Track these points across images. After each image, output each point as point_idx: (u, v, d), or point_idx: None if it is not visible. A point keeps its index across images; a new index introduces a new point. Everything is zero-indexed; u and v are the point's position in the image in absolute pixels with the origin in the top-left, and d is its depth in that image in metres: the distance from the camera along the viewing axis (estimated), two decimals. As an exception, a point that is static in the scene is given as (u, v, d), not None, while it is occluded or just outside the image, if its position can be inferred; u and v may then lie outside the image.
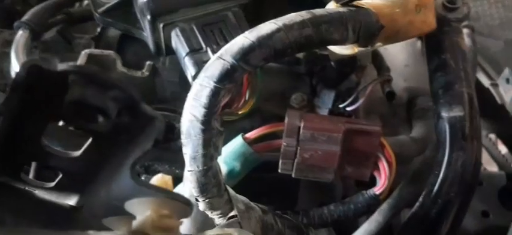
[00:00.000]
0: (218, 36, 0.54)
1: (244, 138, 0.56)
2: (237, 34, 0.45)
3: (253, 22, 0.50)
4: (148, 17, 0.54)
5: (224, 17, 0.56)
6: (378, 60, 0.71)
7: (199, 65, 0.50)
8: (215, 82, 0.41)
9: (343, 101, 0.62)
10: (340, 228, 0.67)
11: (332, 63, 0.63)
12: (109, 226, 0.28)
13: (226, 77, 0.41)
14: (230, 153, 0.56)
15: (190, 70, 0.51)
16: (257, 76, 0.54)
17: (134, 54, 0.63)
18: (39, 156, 0.34)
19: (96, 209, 0.34)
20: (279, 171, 0.57)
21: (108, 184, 0.31)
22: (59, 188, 0.35)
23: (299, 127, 0.53)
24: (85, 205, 0.35)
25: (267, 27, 0.42)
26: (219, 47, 0.49)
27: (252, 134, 0.56)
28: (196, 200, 0.46)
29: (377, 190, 0.55)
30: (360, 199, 0.56)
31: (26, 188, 0.34)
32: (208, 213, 0.47)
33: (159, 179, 0.46)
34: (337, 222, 0.58)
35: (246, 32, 0.42)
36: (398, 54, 0.76)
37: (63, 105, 0.27)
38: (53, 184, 0.36)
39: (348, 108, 0.61)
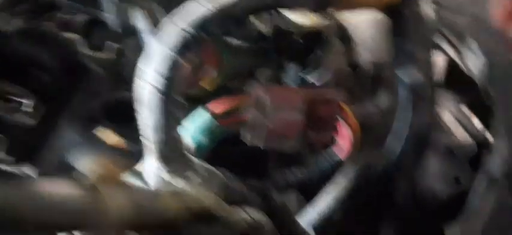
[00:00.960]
0: None
1: (210, 112, 0.57)
2: None
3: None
4: None
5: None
6: (343, 34, 0.72)
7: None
8: (174, 51, 0.42)
9: (308, 74, 0.64)
10: (307, 193, 0.69)
11: (297, 38, 0.65)
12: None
13: (185, 46, 0.42)
14: (197, 128, 0.57)
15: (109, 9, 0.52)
16: (221, 50, 0.55)
17: (101, 38, 0.64)
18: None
19: (50, 170, 0.35)
20: (247, 143, 0.58)
21: (58, 144, 0.32)
22: (11, 155, 0.36)
23: (263, 98, 0.54)
24: (40, 170, 0.36)
25: None
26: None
27: (218, 108, 0.57)
28: (158, 169, 0.47)
29: (340, 153, 0.57)
30: (324, 163, 0.58)
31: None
32: (172, 180, 0.48)
33: (104, 134, 0.48)
34: (302, 185, 0.60)
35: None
36: (364, 30, 0.77)
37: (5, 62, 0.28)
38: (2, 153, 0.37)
39: (314, 80, 0.63)
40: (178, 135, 0.46)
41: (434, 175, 1.09)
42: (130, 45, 0.63)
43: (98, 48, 0.62)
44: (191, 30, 0.42)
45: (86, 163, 0.30)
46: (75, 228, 0.27)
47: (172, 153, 0.45)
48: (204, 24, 0.42)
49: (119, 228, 0.29)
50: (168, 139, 0.44)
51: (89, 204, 0.28)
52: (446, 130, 1.26)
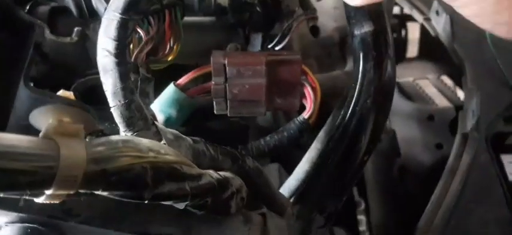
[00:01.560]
0: None
1: (176, 85, 0.58)
2: None
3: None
4: None
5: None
6: (305, 3, 0.74)
7: None
8: (121, 13, 0.43)
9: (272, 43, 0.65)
10: (287, 162, 0.70)
11: (258, 8, 0.66)
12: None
13: (130, 7, 0.43)
14: (164, 101, 0.58)
15: (100, 8, 0.53)
16: (179, 24, 0.56)
17: (65, 25, 0.65)
18: None
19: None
20: (215, 112, 0.59)
21: (12, 106, 0.33)
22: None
23: (224, 65, 0.55)
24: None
25: None
26: None
27: (182, 80, 0.58)
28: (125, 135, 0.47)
29: (305, 114, 0.58)
30: (291, 126, 0.59)
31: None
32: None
33: (60, 93, 0.48)
34: (274, 150, 0.60)
35: None
36: (326, -2, 0.79)
37: None
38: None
39: (277, 48, 0.64)
40: (139, 100, 0.47)
41: (416, 144, 1.11)
42: (94, 29, 0.64)
43: (66, 35, 0.63)
44: None
45: (42, 118, 0.30)
46: (29, 176, 0.28)
47: (133, 116, 0.46)
48: None
49: (76, 179, 0.30)
50: (127, 102, 0.45)
51: (40, 149, 0.28)
52: (426, 98, 1.28)
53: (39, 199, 0.32)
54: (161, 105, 0.58)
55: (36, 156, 0.27)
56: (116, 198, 0.34)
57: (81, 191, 0.31)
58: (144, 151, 0.34)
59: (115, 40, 0.43)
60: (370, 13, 0.53)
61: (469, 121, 0.81)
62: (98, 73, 0.64)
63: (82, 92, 0.65)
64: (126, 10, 0.43)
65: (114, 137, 0.33)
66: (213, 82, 0.56)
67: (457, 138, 0.82)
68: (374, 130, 0.52)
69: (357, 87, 0.52)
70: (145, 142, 0.35)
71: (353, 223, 1.10)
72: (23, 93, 0.32)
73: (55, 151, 0.28)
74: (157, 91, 0.63)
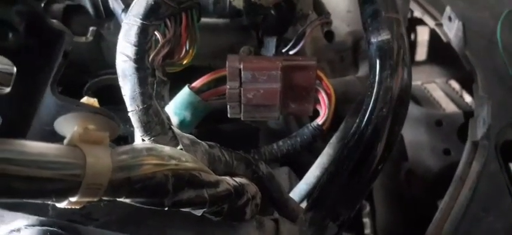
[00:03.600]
0: None
1: (191, 88, 0.58)
2: None
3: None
4: None
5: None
6: (319, 7, 0.73)
7: None
8: (141, 19, 0.43)
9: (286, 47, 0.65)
10: (298, 166, 0.70)
11: (272, 11, 0.66)
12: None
13: (151, 13, 0.43)
14: (179, 104, 0.58)
15: None
16: (195, 27, 0.56)
17: (79, 24, 0.65)
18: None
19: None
20: (229, 115, 0.59)
21: (37, 111, 0.33)
22: (2, 135, 0.37)
23: (239, 70, 0.55)
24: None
25: None
26: None
27: (197, 83, 0.58)
28: (142, 140, 0.48)
29: (319, 120, 0.58)
30: (305, 132, 0.59)
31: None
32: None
33: (84, 100, 0.48)
34: (286, 156, 0.60)
35: None
36: (340, 2, 0.79)
37: None
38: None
39: (291, 52, 0.64)
40: (157, 105, 0.47)
41: (424, 149, 1.11)
42: (108, 28, 0.64)
43: (81, 34, 0.63)
44: None
45: (67, 125, 0.30)
46: (56, 184, 0.28)
47: (151, 121, 0.46)
48: None
49: (101, 187, 0.30)
50: (145, 107, 0.45)
51: (67, 157, 0.28)
52: (434, 103, 1.28)
53: (62, 205, 0.32)
54: (176, 108, 0.58)
55: (63, 164, 0.27)
56: (137, 204, 0.34)
57: (104, 198, 0.31)
58: (166, 159, 0.34)
59: (135, 45, 0.43)
60: (387, 21, 0.53)
61: (479, 130, 0.81)
62: (111, 73, 0.64)
63: (95, 92, 0.65)
64: (147, 16, 0.43)
65: (138, 145, 0.33)
66: (228, 86, 0.56)
67: (467, 146, 0.82)
68: (389, 139, 0.52)
69: (373, 95, 0.52)
70: (167, 150, 0.35)
71: (358, 226, 1.11)
72: (49, 100, 0.32)
73: (81, 159, 0.28)
74: (171, 91, 0.63)
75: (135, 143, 0.35)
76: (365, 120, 0.52)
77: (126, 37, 0.44)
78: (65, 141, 0.30)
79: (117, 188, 0.31)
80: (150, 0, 0.43)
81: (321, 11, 0.72)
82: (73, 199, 0.30)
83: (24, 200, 0.27)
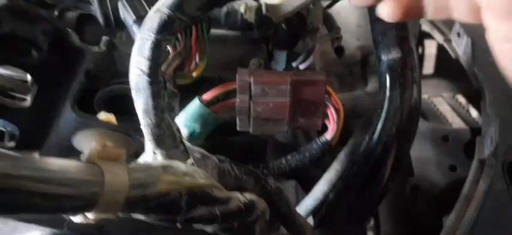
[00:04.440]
0: None
1: (201, 100, 0.58)
2: None
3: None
4: None
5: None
6: (329, 21, 0.74)
7: None
8: (155, 34, 0.43)
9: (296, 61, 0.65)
10: (302, 179, 0.70)
11: (283, 25, 0.67)
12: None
13: (164, 28, 0.44)
14: (189, 116, 0.58)
15: None
16: (205, 39, 0.57)
17: (92, 33, 0.65)
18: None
19: (51, 155, 0.36)
20: (238, 128, 0.59)
21: (56, 126, 0.34)
22: (19, 147, 0.37)
23: (249, 83, 0.55)
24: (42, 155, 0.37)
25: None
26: None
27: (207, 95, 0.58)
28: (154, 153, 0.48)
29: (328, 135, 0.58)
30: (313, 147, 0.59)
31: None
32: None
33: (102, 116, 0.49)
34: (295, 170, 0.60)
35: None
36: (350, 16, 0.79)
37: None
38: (13, 143, 0.38)
39: (301, 66, 0.64)
40: (169, 118, 0.47)
41: (430, 164, 1.11)
42: (120, 38, 0.65)
43: (94, 43, 0.64)
44: (166, 10, 0.44)
45: (85, 141, 0.31)
46: (75, 201, 0.28)
47: (163, 134, 0.46)
48: (183, 7, 0.44)
49: (118, 203, 0.30)
50: (158, 121, 0.45)
51: (86, 175, 0.28)
52: (441, 118, 1.28)
53: (77, 219, 0.33)
54: (186, 119, 0.58)
55: (82, 181, 0.28)
56: (152, 221, 0.34)
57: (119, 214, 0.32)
58: (181, 176, 0.34)
59: (149, 60, 0.44)
60: (398, 39, 0.54)
61: (486, 148, 0.81)
62: (122, 82, 0.65)
63: (106, 101, 0.66)
64: (161, 31, 0.43)
65: (154, 163, 0.33)
66: (237, 99, 0.57)
67: (474, 164, 0.82)
68: (398, 157, 0.52)
69: (383, 113, 0.52)
70: (182, 167, 0.35)
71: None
72: (69, 116, 0.33)
73: (100, 177, 0.29)
74: (181, 101, 0.63)
75: (150, 160, 0.35)
76: (375, 138, 0.52)
77: (140, 51, 0.44)
78: (83, 157, 0.30)
79: (132, 205, 0.31)
80: (163, 16, 0.43)
81: (331, 26, 0.73)
82: (89, 214, 0.30)
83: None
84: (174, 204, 0.34)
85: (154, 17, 0.44)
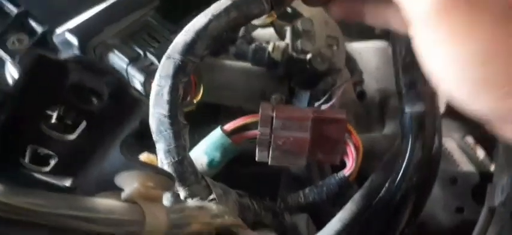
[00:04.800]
0: (149, 40, 0.59)
1: (223, 130, 0.60)
2: (164, 33, 0.55)
3: (167, 19, 0.59)
4: (77, 44, 0.57)
5: (146, 22, 0.61)
6: (351, 63, 0.75)
7: (144, 70, 0.54)
8: (172, 79, 0.45)
9: (318, 101, 0.67)
10: (317, 217, 0.71)
11: (307, 65, 0.68)
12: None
13: (180, 72, 0.46)
14: (210, 144, 0.60)
15: (138, 77, 0.55)
16: (198, 66, 0.59)
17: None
18: (39, 140, 0.37)
19: (89, 187, 0.37)
20: (256, 159, 0.61)
21: (100, 163, 0.35)
22: (55, 172, 0.39)
23: (272, 117, 0.57)
24: (79, 185, 0.38)
25: (200, 21, 0.48)
26: (154, 49, 0.55)
27: (229, 126, 0.60)
28: (176, 190, 0.49)
29: (346, 171, 0.59)
30: (331, 181, 0.60)
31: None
32: (189, 200, 0.51)
33: (144, 157, 0.50)
34: (312, 205, 0.61)
35: (183, 31, 0.48)
36: (371, 58, 0.81)
37: (64, 89, 0.31)
38: (48, 168, 0.39)
39: (323, 107, 0.66)
40: (189, 156, 0.49)
41: (436, 204, 1.11)
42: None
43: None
44: (178, 56, 0.46)
45: (128, 181, 0.32)
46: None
47: (185, 171, 0.48)
48: (193, 50, 0.47)
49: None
50: (180, 159, 0.47)
51: (130, 215, 0.30)
52: (450, 159, 1.29)
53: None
54: (207, 148, 0.60)
55: (126, 221, 0.29)
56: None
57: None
58: (213, 217, 0.35)
59: (169, 103, 0.46)
60: (423, 93, 0.55)
61: (497, 197, 0.82)
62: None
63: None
64: (177, 76, 0.46)
65: (190, 204, 0.35)
66: (259, 131, 0.58)
67: (484, 211, 0.82)
68: (417, 206, 0.53)
69: (405, 163, 0.53)
70: (214, 208, 0.36)
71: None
72: (116, 157, 0.34)
73: (141, 216, 0.30)
74: (199, 128, 0.65)
75: (188, 202, 0.37)
76: (395, 185, 0.53)
77: (159, 96, 0.46)
78: (125, 196, 0.31)
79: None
80: (177, 62, 0.46)
81: (354, 68, 0.74)
82: (126, 252, 0.31)
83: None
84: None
85: (167, 63, 0.46)
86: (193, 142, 0.61)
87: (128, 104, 0.33)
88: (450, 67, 0.31)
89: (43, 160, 0.41)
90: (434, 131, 0.53)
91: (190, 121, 0.59)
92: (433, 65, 0.33)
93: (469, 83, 0.30)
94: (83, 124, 0.32)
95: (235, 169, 0.71)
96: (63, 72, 0.30)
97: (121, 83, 0.32)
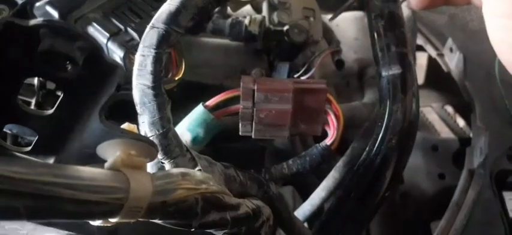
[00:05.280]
0: (130, 15, 0.58)
1: (205, 106, 0.60)
2: (146, 8, 0.54)
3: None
4: (57, 17, 0.55)
5: (127, -3, 0.61)
6: (329, 34, 0.76)
7: (124, 45, 0.54)
8: (155, 49, 0.45)
9: (298, 72, 0.68)
10: (302, 188, 0.72)
11: (285, 38, 0.69)
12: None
13: (163, 42, 0.45)
14: (193, 121, 0.60)
15: (117, 52, 0.54)
16: (180, 42, 0.58)
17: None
18: (16, 117, 0.37)
19: (71, 161, 0.37)
20: (240, 133, 0.61)
21: (80, 135, 0.35)
22: (36, 151, 0.39)
23: (253, 90, 0.57)
24: (61, 160, 0.38)
25: None
26: (136, 24, 0.54)
27: (211, 101, 0.60)
28: (162, 162, 0.49)
29: (328, 141, 0.60)
30: (314, 151, 0.61)
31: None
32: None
33: (125, 126, 0.50)
34: (296, 175, 0.62)
35: (168, 0, 0.47)
36: (348, 29, 0.82)
37: (35, 56, 0.30)
38: (30, 148, 0.39)
39: (303, 78, 0.67)
40: (173, 128, 0.49)
41: (419, 173, 1.14)
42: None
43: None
44: (163, 25, 0.45)
45: (110, 150, 0.32)
46: (103, 207, 0.29)
47: (170, 144, 0.47)
48: (177, 20, 0.46)
49: (141, 209, 0.32)
50: (165, 131, 0.46)
51: (113, 182, 0.30)
52: (431, 129, 1.31)
53: (96, 223, 0.34)
54: (190, 124, 0.60)
55: (110, 188, 0.29)
56: (168, 225, 0.36)
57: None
58: (197, 183, 0.36)
59: (152, 74, 0.45)
60: (398, 55, 0.56)
61: (476, 159, 0.84)
62: (127, 89, 0.66)
63: (111, 106, 0.67)
64: (160, 45, 0.45)
65: (174, 171, 0.35)
66: (241, 106, 0.58)
67: (464, 174, 0.85)
68: (397, 168, 0.55)
69: (383, 126, 0.54)
70: (198, 174, 0.37)
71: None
72: (95, 126, 0.34)
73: (126, 184, 0.30)
74: (182, 108, 0.65)
75: (172, 169, 0.37)
76: (375, 149, 0.54)
77: (142, 67, 0.45)
78: (108, 165, 0.31)
79: (153, 211, 0.33)
80: (161, 31, 0.45)
81: (331, 39, 0.75)
82: (113, 220, 0.31)
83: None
84: (190, 209, 0.35)
85: (151, 33, 0.45)
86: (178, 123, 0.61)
87: (103, 69, 0.33)
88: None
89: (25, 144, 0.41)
90: (411, 93, 0.54)
91: (174, 103, 0.60)
92: (496, 34, 0.41)
93: None
94: (61, 96, 0.32)
95: (220, 146, 0.71)
96: (33, 39, 0.30)
97: (94, 48, 0.32)
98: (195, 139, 0.61)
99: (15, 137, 0.59)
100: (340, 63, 0.71)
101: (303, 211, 0.69)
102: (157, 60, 0.46)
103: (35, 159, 0.26)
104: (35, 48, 0.30)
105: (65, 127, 0.35)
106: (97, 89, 0.34)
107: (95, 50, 0.32)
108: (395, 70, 0.55)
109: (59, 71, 0.32)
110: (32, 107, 0.49)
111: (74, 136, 0.35)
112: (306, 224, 0.70)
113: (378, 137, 0.55)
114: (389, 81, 0.55)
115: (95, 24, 0.56)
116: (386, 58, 0.56)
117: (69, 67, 0.33)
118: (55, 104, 0.36)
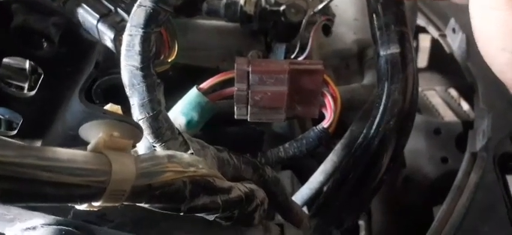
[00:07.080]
0: None
1: (199, 89, 0.59)
2: None
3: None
4: None
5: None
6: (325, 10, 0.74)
7: (115, 26, 0.52)
8: (143, 28, 0.43)
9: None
10: (301, 172, 0.71)
11: (282, 18, 0.67)
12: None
13: (151, 21, 0.43)
14: (187, 104, 0.59)
15: (108, 34, 0.53)
16: (172, 23, 0.57)
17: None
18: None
19: (56, 144, 0.36)
20: (235, 116, 0.60)
21: (63, 116, 0.34)
22: (22, 134, 0.38)
23: (248, 72, 0.55)
24: (47, 144, 0.37)
25: None
26: (126, 4, 0.52)
27: (205, 84, 0.59)
28: (153, 146, 0.48)
29: (325, 123, 0.59)
30: (311, 134, 0.60)
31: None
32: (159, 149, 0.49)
33: (108, 107, 0.49)
34: (293, 158, 0.61)
35: None
36: (347, 9, 0.80)
37: (8, 34, 0.29)
38: (14, 132, 0.38)
39: (299, 59, 0.65)
40: (164, 111, 0.47)
41: (422, 157, 1.13)
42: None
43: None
44: (150, 3, 0.44)
45: (92, 131, 0.31)
46: (84, 190, 0.28)
47: (161, 126, 0.46)
48: None
49: (124, 193, 0.31)
50: (155, 113, 0.45)
51: (94, 164, 0.29)
52: (434, 112, 1.29)
53: (81, 207, 0.33)
54: (184, 108, 0.59)
55: (91, 171, 0.28)
56: (155, 209, 0.35)
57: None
58: (185, 166, 0.35)
59: (140, 54, 0.43)
60: (397, 34, 0.54)
61: (478, 141, 0.82)
62: (119, 72, 0.65)
63: (104, 90, 0.66)
64: (148, 24, 0.43)
65: (160, 153, 0.34)
66: (236, 88, 0.57)
67: (466, 157, 0.83)
68: (395, 150, 0.53)
69: (381, 107, 0.53)
70: (186, 157, 0.36)
71: (353, 229, 1.12)
72: (76, 106, 0.33)
73: (107, 166, 0.29)
74: (178, 92, 0.64)
75: (157, 151, 0.36)
76: (372, 131, 0.53)
77: (130, 47, 0.44)
78: (90, 147, 0.30)
79: (138, 194, 0.32)
80: (148, 9, 0.43)
81: (327, 12, 0.73)
82: (96, 203, 0.30)
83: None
84: (178, 193, 0.34)
85: (139, 11, 0.44)
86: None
87: (81, 46, 0.32)
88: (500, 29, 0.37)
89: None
90: (410, 72, 0.53)
91: (170, 87, 0.58)
92: (485, 26, 0.39)
93: None
94: (41, 78, 0.30)
95: (218, 130, 0.70)
96: (5, 15, 0.28)
97: (70, 24, 0.30)
98: (189, 123, 0.60)
99: (9, 123, 0.59)
100: (326, 29, 0.69)
101: (301, 195, 0.68)
102: (145, 40, 0.44)
103: (10, 140, 0.25)
104: (8, 25, 0.29)
105: (48, 110, 0.34)
106: (76, 67, 0.33)
107: (71, 26, 0.31)
108: (394, 49, 0.54)
109: (35, 48, 0.31)
110: (25, 91, 0.48)
111: (57, 118, 0.34)
112: (305, 208, 0.70)
113: (376, 118, 0.53)
114: (387, 60, 0.54)
115: (84, 5, 0.54)
116: (385, 37, 0.54)
117: (45, 45, 0.31)
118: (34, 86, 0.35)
